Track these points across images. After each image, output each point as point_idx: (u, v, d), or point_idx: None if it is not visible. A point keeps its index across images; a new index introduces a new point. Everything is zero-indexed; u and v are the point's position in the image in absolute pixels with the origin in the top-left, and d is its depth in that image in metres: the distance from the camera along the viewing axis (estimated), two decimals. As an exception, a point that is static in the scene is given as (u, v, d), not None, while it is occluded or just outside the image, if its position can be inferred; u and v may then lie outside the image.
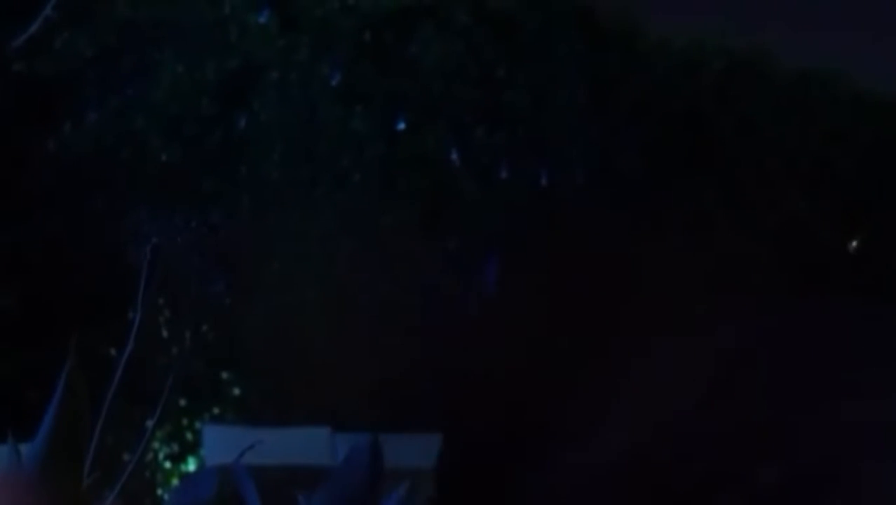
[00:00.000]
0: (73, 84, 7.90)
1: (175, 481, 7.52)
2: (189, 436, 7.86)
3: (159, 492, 7.56)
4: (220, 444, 6.48)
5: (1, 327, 7.39)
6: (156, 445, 7.78)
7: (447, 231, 8.09)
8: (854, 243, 8.69)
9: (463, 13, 8.38)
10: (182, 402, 7.72)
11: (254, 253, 7.71)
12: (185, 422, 7.88)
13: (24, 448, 1.69)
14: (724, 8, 8.96)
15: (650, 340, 7.90)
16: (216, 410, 7.97)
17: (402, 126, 8.27)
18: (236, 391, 8.00)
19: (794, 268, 8.29)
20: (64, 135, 7.84)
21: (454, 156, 8.31)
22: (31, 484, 1.58)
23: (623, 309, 8.00)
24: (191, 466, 7.80)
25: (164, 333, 7.17)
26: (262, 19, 8.34)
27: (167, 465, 7.88)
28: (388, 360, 7.60)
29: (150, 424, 5.94)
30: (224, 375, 7.95)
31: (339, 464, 4.10)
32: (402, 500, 3.50)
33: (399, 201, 7.95)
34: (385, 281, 7.75)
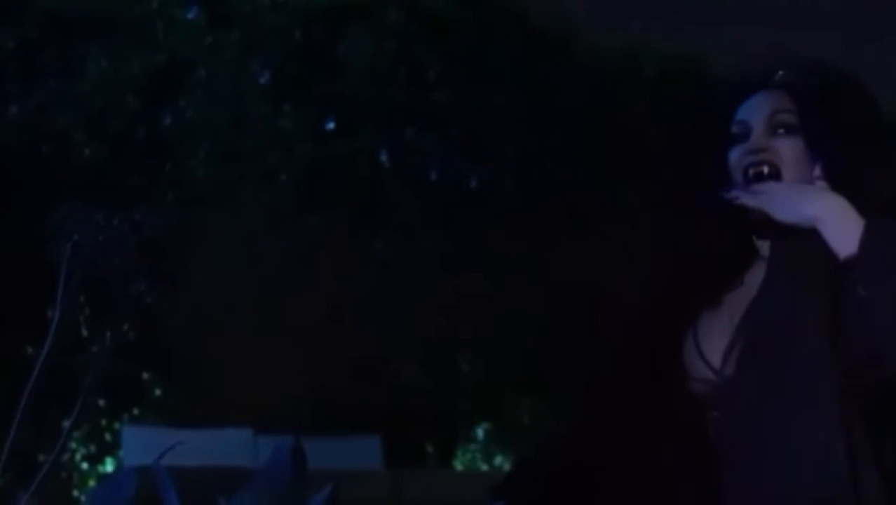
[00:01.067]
0: (-6, 76, 7.73)
1: (92, 483, 7.35)
2: (108, 436, 7.69)
3: (76, 493, 7.39)
4: (140, 445, 6.35)
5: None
6: (73, 445, 7.61)
7: (375, 232, 7.99)
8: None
9: (395, 13, 8.28)
10: (101, 402, 7.56)
11: (178, 251, 7.56)
12: (104, 422, 7.71)
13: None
14: (658, 15, 8.95)
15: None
16: (136, 411, 7.81)
17: (331, 126, 8.16)
18: (157, 392, 7.85)
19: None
20: (-16, 128, 7.67)
21: (384, 157, 8.22)
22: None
23: (555, 310, 7.94)
24: (109, 467, 7.64)
25: (84, 332, 7.01)
26: (190, 15, 8.20)
27: (84, 466, 7.71)
28: (313, 362, 7.49)
29: (67, 424, 5.80)
30: (145, 375, 7.80)
31: (261, 466, 3.99)
32: (325, 502, 3.42)
33: (327, 201, 7.84)
34: (312, 282, 7.63)
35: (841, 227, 1.68)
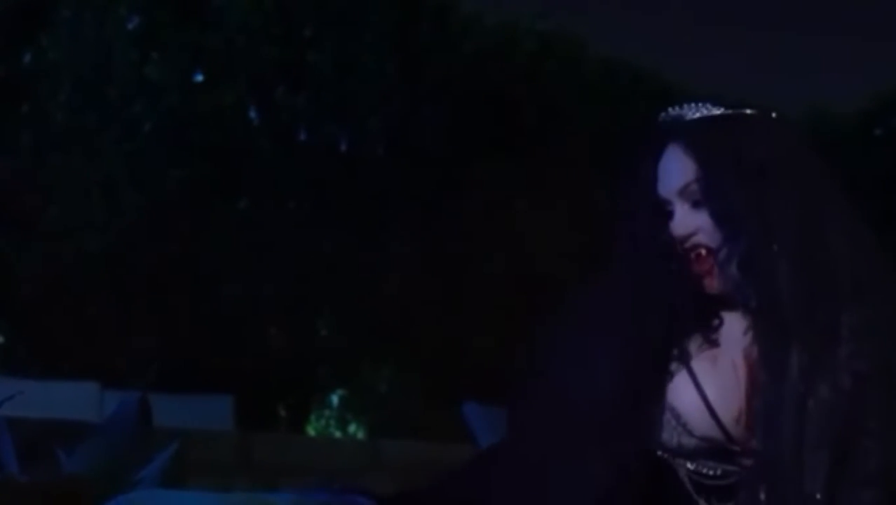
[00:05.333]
0: None
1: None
2: (-54, 386, 7.40)
3: None
4: (-21, 394, 6.07)
5: None
6: None
7: (239, 189, 7.79)
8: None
9: (273, -32, 8.07)
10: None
11: (31, 197, 7.29)
12: (-58, 371, 7.41)
13: None
14: (537, -9, 8.85)
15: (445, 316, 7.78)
16: (-22, 361, 7.53)
17: (199, 78, 7.92)
18: (2, 340, 7.56)
19: (588, 256, 8.23)
20: None
21: (252, 114, 8.01)
22: None
23: (419, 280, 7.84)
24: (-55, 418, 7.35)
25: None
26: (56, -47, 7.90)
27: (-81, 416, 7.41)
28: (167, 318, 7.28)
29: None
30: (-10, 323, 7.52)
31: (105, 420, 3.77)
32: (168, 460, 3.23)
33: (191, 156, 7.61)
34: (170, 236, 7.40)
35: None
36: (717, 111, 1.78)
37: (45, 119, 7.44)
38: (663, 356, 1.71)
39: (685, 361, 1.70)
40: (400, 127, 8.09)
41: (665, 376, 1.71)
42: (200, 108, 7.70)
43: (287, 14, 8.02)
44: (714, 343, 1.72)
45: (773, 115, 1.78)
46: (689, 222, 1.72)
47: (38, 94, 7.48)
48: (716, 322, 1.73)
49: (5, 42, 7.54)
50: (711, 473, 1.72)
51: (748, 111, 1.78)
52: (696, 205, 1.73)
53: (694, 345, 1.73)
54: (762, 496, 1.67)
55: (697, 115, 1.77)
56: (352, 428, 8.33)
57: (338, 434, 8.20)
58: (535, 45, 8.77)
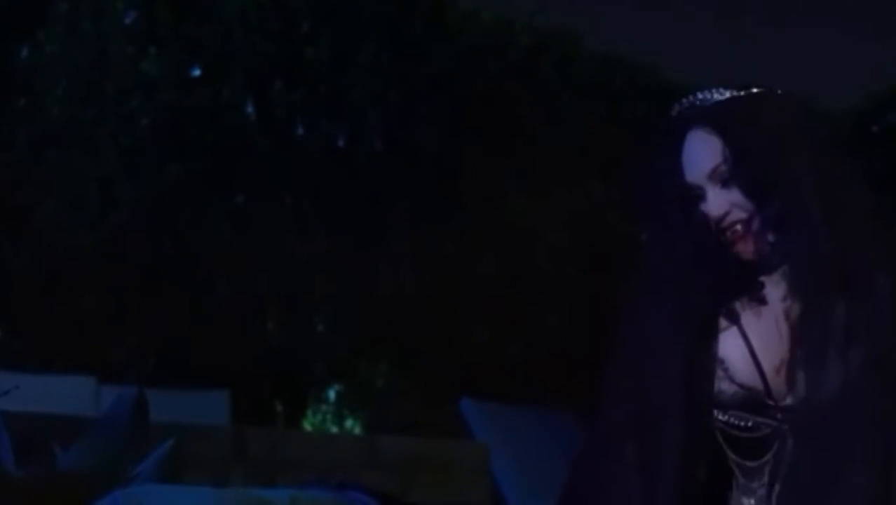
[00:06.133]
0: None
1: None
2: (-58, 381, 7.38)
3: None
4: (-24, 389, 6.06)
5: None
6: None
7: (237, 184, 7.78)
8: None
9: (270, -37, 8.06)
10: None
11: (27, 191, 7.28)
12: (-62, 366, 7.40)
13: None
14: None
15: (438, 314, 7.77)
16: (-25, 356, 7.51)
17: (196, 73, 7.91)
18: (-1, 335, 7.56)
19: (584, 253, 8.24)
20: None
21: (249, 109, 8.00)
22: None
23: (418, 276, 7.84)
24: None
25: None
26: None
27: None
28: (164, 313, 7.28)
29: None
30: (-14, 318, 7.51)
31: (102, 415, 3.76)
32: (164, 455, 3.24)
33: (188, 151, 7.60)
34: (166, 231, 7.40)
35: None
36: (728, 94, 1.85)
37: (41, 114, 7.43)
38: (713, 323, 1.79)
39: (734, 318, 1.78)
40: (397, 123, 8.09)
41: (715, 337, 1.79)
42: (197, 103, 7.70)
43: (284, 9, 8.02)
44: (759, 302, 1.80)
45: (779, 91, 1.86)
46: (723, 201, 1.81)
47: (34, 89, 7.47)
48: (758, 286, 1.81)
49: (1, 37, 7.53)
50: (742, 424, 1.77)
51: (756, 90, 1.86)
52: (725, 184, 1.81)
53: (740, 306, 1.80)
54: (792, 447, 1.72)
55: (716, 98, 1.84)
56: (348, 424, 8.33)
57: (334, 430, 8.19)
58: (531, 40, 8.77)
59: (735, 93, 1.91)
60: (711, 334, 1.82)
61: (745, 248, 1.84)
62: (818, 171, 1.83)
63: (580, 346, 7.30)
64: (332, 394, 8.36)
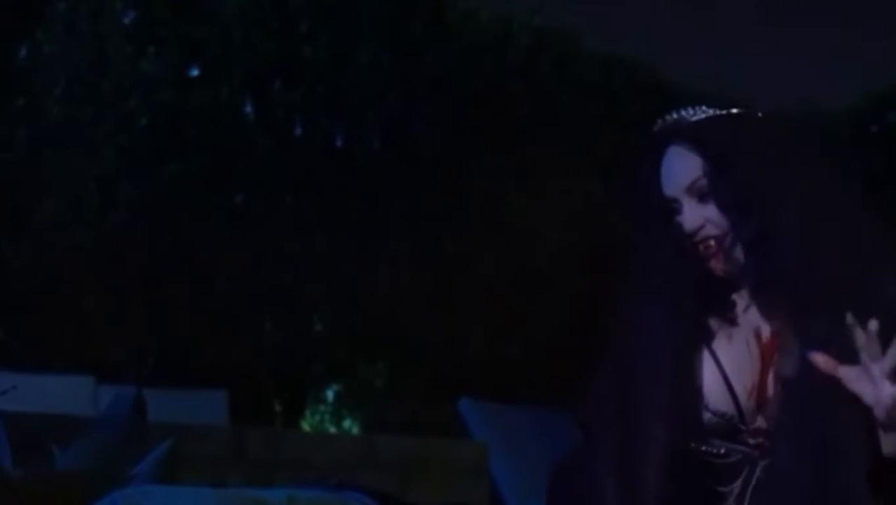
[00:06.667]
0: None
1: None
2: (-59, 381, 7.37)
3: None
4: (-27, 388, 6.05)
5: None
6: None
7: (235, 184, 7.78)
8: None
9: (267, -38, 8.06)
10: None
11: (26, 191, 7.27)
12: (-63, 366, 7.39)
13: None
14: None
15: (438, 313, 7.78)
16: (-26, 355, 7.50)
17: (195, 73, 7.91)
18: (-1, 335, 7.55)
19: (584, 253, 8.23)
20: None
21: (248, 108, 7.99)
22: None
23: (416, 276, 7.83)
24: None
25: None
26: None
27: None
28: (162, 313, 7.27)
29: None
30: (-15, 317, 7.50)
31: (100, 415, 3.75)
32: (162, 455, 3.23)
33: (187, 151, 7.60)
34: (164, 231, 7.39)
35: None
36: (711, 112, 1.88)
37: (40, 113, 7.42)
38: (698, 325, 1.80)
39: (706, 339, 1.79)
40: (396, 122, 8.09)
41: (693, 357, 1.79)
42: (196, 102, 7.69)
43: (283, 9, 8.01)
44: (731, 322, 1.80)
45: (759, 114, 1.88)
46: (697, 216, 1.82)
47: (33, 89, 7.46)
48: (730, 303, 1.81)
49: (1, 36, 7.53)
50: (715, 451, 1.77)
51: (736, 111, 1.88)
52: (702, 199, 1.83)
53: (714, 324, 1.80)
54: (759, 473, 1.72)
55: (696, 117, 1.86)
56: (347, 423, 8.32)
57: (333, 429, 8.19)
58: (531, 40, 8.76)
59: (717, 112, 1.93)
60: (696, 336, 1.83)
61: (717, 265, 1.85)
62: (798, 192, 1.83)
63: (580, 346, 7.30)
64: (330, 394, 8.36)
